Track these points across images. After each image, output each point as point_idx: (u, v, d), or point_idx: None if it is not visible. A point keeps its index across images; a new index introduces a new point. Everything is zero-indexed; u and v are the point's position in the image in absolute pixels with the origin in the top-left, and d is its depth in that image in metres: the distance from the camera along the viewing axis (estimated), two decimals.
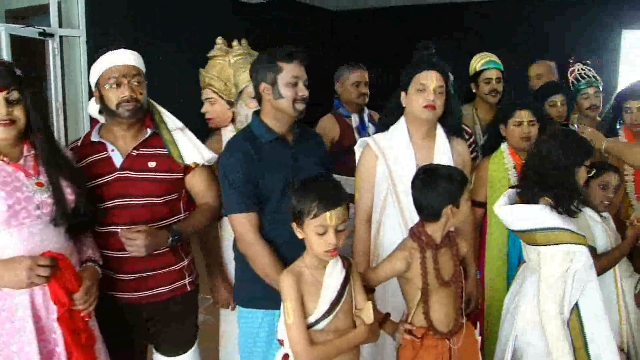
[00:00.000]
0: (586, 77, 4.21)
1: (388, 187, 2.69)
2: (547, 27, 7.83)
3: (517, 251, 3.04)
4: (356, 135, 3.91)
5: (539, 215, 2.48)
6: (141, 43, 5.67)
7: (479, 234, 3.21)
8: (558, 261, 2.43)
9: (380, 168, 2.71)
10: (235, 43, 3.14)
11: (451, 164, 2.70)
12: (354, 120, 4.03)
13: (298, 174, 2.45)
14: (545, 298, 2.45)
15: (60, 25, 5.20)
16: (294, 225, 2.13)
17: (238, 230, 2.46)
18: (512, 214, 2.59)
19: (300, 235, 2.13)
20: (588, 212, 2.84)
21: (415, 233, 2.36)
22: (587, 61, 7.77)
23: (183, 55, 5.92)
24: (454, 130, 2.85)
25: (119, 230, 2.34)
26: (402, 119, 2.76)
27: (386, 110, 2.87)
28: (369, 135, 3.17)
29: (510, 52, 7.82)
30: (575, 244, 2.42)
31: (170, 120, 2.61)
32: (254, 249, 2.42)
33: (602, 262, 2.70)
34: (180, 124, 2.63)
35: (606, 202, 2.89)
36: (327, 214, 2.03)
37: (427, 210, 2.30)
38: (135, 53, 2.52)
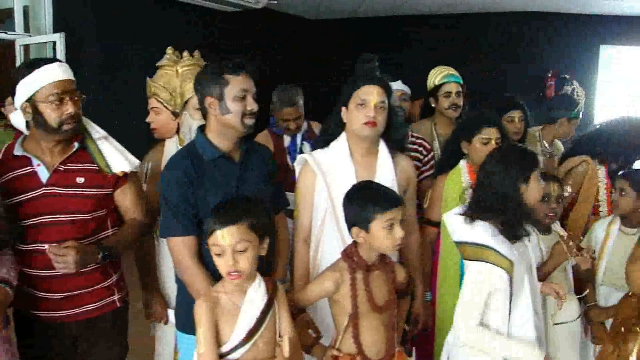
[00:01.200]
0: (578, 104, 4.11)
1: (327, 206, 2.56)
2: (525, 41, 7.74)
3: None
4: (287, 156, 3.79)
5: (473, 229, 2.34)
6: (110, 52, 5.69)
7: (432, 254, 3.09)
8: (480, 278, 2.28)
9: (318, 186, 2.58)
10: (185, 53, 3.03)
11: (394, 181, 2.60)
12: (286, 140, 3.90)
13: (244, 192, 2.34)
14: (458, 313, 2.30)
15: (27, 31, 5.09)
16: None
17: (174, 255, 2.32)
18: (453, 223, 2.46)
19: None
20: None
21: (347, 253, 2.25)
22: (566, 75, 7.83)
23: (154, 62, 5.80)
24: (397, 146, 2.73)
25: (44, 247, 2.21)
26: (342, 135, 2.63)
27: (327, 126, 2.75)
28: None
29: (490, 66, 7.89)
30: (496, 265, 2.26)
31: (94, 130, 2.48)
32: (190, 275, 2.29)
33: None
34: (103, 133, 2.50)
35: (550, 214, 2.78)
36: (219, 232, 1.94)
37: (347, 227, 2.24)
38: (67, 65, 2.40)
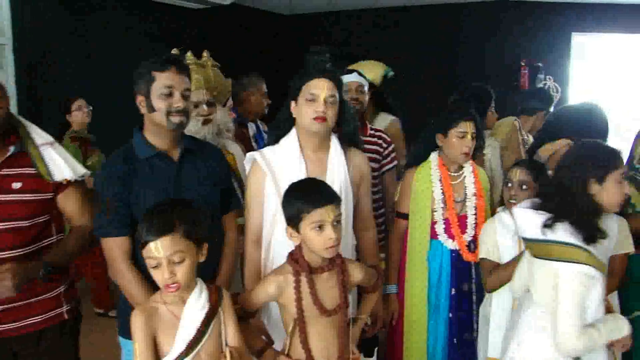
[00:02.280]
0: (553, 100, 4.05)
1: (277, 206, 2.41)
2: (497, 30, 7.65)
3: (437, 266, 2.85)
4: (254, 144, 3.67)
5: (555, 227, 2.14)
6: (73, 52, 5.53)
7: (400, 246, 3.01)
8: (580, 280, 2.10)
9: (268, 185, 2.46)
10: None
11: (346, 177, 2.49)
12: (251, 128, 3.79)
13: (179, 194, 2.25)
14: (563, 324, 2.08)
15: None
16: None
17: (107, 257, 2.23)
18: (524, 219, 2.26)
19: None
20: (503, 215, 2.68)
21: (292, 255, 2.14)
22: (539, 64, 7.75)
23: (119, 62, 5.65)
24: (349, 140, 2.61)
25: None
26: (293, 131, 2.51)
27: (277, 121, 2.62)
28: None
29: (458, 57, 7.81)
30: (590, 266, 2.09)
31: (38, 135, 2.35)
32: (123, 279, 2.20)
33: (500, 275, 2.57)
34: (49, 139, 2.37)
35: (512, 201, 2.66)
36: (152, 244, 1.82)
37: None
38: None
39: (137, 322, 1.85)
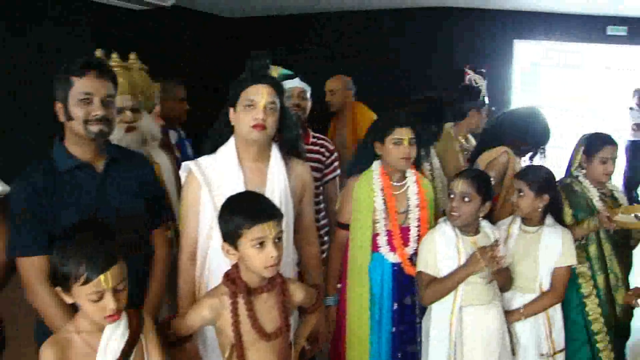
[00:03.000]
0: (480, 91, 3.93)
1: (213, 218, 2.24)
2: (441, 36, 7.62)
3: (379, 279, 2.71)
4: (176, 152, 3.47)
5: None
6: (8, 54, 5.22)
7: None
8: None
9: (204, 196, 2.28)
10: (98, 52, 2.71)
11: (287, 188, 2.34)
12: (173, 136, 3.57)
13: (103, 208, 2.06)
14: None
15: None
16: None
17: (23, 277, 2.02)
18: None
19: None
20: (444, 227, 2.59)
21: (228, 276, 1.98)
22: (482, 70, 7.76)
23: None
24: (291, 149, 2.46)
25: None
26: (231, 139, 2.35)
27: (215, 129, 2.44)
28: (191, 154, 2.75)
29: (401, 63, 7.75)
30: None
31: None
32: (42, 301, 1.98)
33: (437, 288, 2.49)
34: None
35: (454, 214, 2.55)
36: (102, 277, 1.65)
37: None
38: None
39: (46, 356, 1.64)
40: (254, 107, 2.24)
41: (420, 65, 7.51)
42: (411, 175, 2.80)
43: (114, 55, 2.65)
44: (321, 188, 3.28)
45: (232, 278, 1.96)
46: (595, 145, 3.05)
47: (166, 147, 3.13)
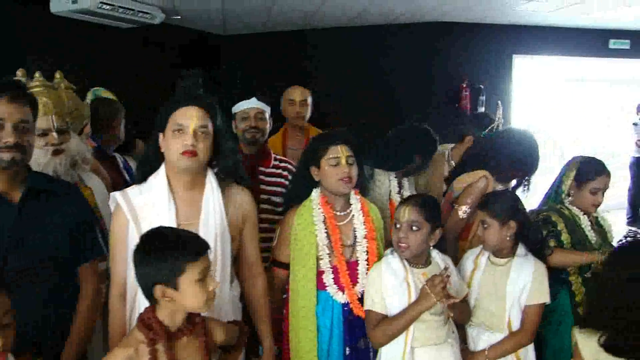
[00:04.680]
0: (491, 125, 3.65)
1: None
2: (439, 51, 7.37)
3: (328, 322, 2.41)
4: (125, 175, 3.23)
5: None
6: None
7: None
8: None
9: (132, 232, 2.05)
10: (20, 72, 2.53)
11: (223, 219, 2.11)
12: (119, 159, 3.34)
13: (20, 245, 1.86)
14: None
15: None
16: None
17: None
18: None
19: None
20: (390, 259, 2.31)
21: (142, 321, 1.74)
22: (480, 85, 7.49)
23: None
24: (230, 176, 2.22)
25: None
26: (162, 168, 2.12)
27: (144, 157, 2.21)
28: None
29: (399, 79, 7.49)
30: None
31: None
32: None
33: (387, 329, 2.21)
34: None
35: (402, 244, 2.29)
36: None
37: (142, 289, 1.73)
38: None
39: None
40: (183, 131, 2.01)
41: (418, 81, 7.25)
42: (356, 201, 2.51)
43: (37, 75, 2.44)
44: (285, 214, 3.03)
45: (148, 323, 1.73)
46: (587, 174, 2.79)
47: (110, 170, 2.92)
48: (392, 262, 2.30)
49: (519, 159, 3.00)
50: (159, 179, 2.10)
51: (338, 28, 7.51)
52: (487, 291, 2.45)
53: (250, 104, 3.07)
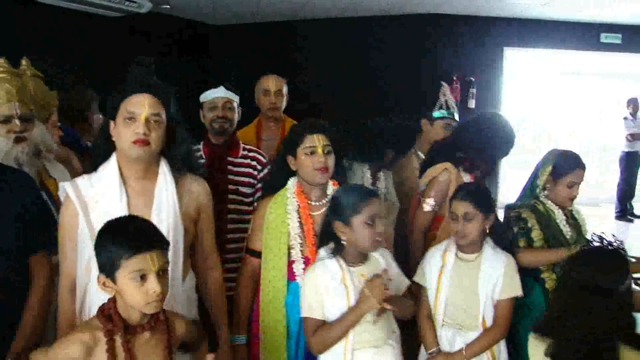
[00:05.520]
0: (451, 107, 3.52)
1: (91, 253, 1.91)
2: (429, 44, 7.29)
3: (297, 314, 2.34)
4: None
5: None
6: None
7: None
8: None
9: (82, 224, 1.97)
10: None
11: (176, 210, 2.03)
12: None
13: None
14: None
15: None
16: None
17: None
18: None
19: None
20: (326, 261, 2.17)
21: (102, 311, 1.69)
22: (471, 78, 7.41)
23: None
24: (183, 165, 2.14)
25: None
26: (113, 157, 2.04)
27: (95, 146, 2.14)
28: None
29: (389, 71, 7.42)
30: None
31: None
32: None
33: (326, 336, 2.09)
34: None
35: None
36: None
37: None
38: None
39: None
40: (134, 120, 1.94)
41: (408, 74, 7.16)
42: (332, 192, 2.45)
43: (1, 61, 2.36)
44: (253, 205, 2.97)
45: (108, 314, 1.68)
46: (564, 167, 2.72)
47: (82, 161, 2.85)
48: (328, 264, 2.14)
49: (489, 141, 2.92)
50: (109, 168, 2.02)
51: (328, 19, 7.43)
52: (459, 289, 2.36)
53: (218, 93, 2.98)
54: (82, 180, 2.04)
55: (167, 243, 1.74)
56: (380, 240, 2.14)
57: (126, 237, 1.63)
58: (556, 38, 7.61)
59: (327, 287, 2.10)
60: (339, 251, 2.14)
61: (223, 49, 7.61)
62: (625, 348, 1.70)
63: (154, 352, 1.71)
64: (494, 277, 2.35)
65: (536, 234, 2.67)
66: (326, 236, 2.17)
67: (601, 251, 1.93)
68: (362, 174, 3.05)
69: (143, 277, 1.61)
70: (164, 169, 2.06)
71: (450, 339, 2.37)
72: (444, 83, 3.66)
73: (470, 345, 2.33)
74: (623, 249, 1.92)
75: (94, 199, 1.99)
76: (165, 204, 2.02)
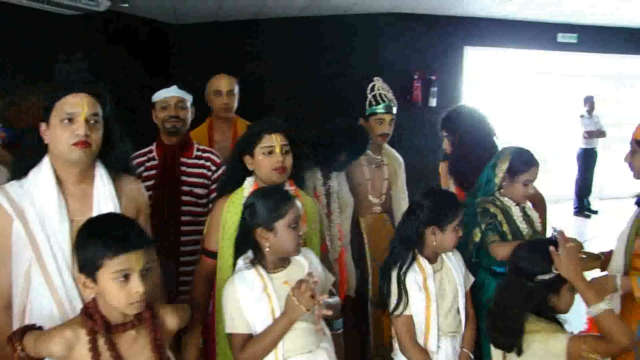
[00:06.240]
0: (386, 99, 3.47)
1: (31, 258, 1.85)
2: (390, 43, 7.27)
3: None
4: None
5: None
6: None
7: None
8: None
9: (17, 232, 1.85)
10: None
11: (117, 211, 1.93)
12: None
13: None
14: None
15: None
16: None
17: None
18: None
19: None
20: (245, 273, 2.09)
21: (86, 309, 1.65)
22: (432, 77, 7.43)
23: None
24: (120, 167, 2.06)
25: None
26: (45, 160, 1.93)
27: (23, 149, 2.04)
28: None
29: (350, 69, 7.38)
30: None
31: None
32: None
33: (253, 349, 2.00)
34: None
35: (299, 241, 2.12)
36: None
37: None
38: None
39: None
40: (73, 121, 1.85)
41: (369, 73, 7.10)
42: (290, 192, 2.39)
43: None
44: (207, 207, 2.90)
45: (90, 313, 1.62)
46: (520, 166, 2.73)
47: None
48: (247, 274, 2.04)
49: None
50: (44, 173, 1.90)
51: (290, 18, 7.36)
52: (443, 295, 2.32)
53: (170, 93, 2.90)
54: (12, 187, 1.90)
55: (151, 242, 1.70)
56: (303, 242, 2.09)
57: (109, 236, 1.59)
58: (515, 37, 7.70)
59: (248, 299, 2.00)
60: (258, 259, 2.07)
61: (183, 48, 7.49)
62: (533, 317, 1.99)
63: (143, 352, 1.67)
64: (461, 272, 2.38)
65: (506, 228, 2.69)
66: (243, 245, 2.10)
67: (536, 244, 2.20)
68: (314, 174, 3.00)
69: (126, 277, 1.58)
70: (100, 170, 1.97)
71: (449, 348, 2.32)
72: (376, 77, 3.61)
73: (466, 341, 2.36)
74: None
75: (31, 204, 1.88)
76: (105, 207, 1.93)
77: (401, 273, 2.26)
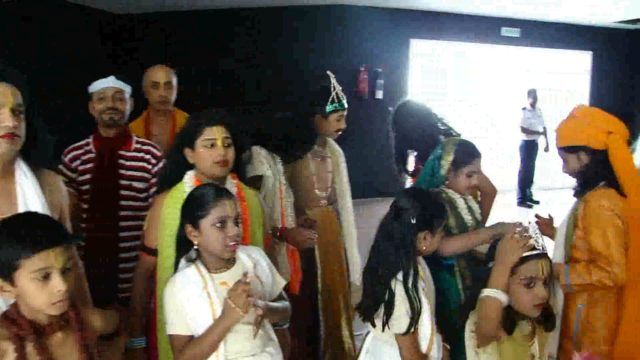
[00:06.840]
0: (343, 96, 3.38)
1: None
2: (336, 35, 7.25)
3: None
4: None
5: None
6: None
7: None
8: None
9: None
10: None
11: (44, 205, 1.83)
12: None
13: None
14: None
15: None
16: None
17: None
18: None
19: None
20: (187, 271, 1.99)
21: (6, 315, 1.53)
22: (378, 69, 7.44)
23: None
24: (42, 162, 1.94)
25: None
26: None
27: None
28: None
29: (296, 61, 7.33)
30: None
31: None
32: None
33: (193, 352, 1.90)
34: None
35: (231, 243, 1.96)
36: None
37: None
38: None
39: None
40: None
41: (315, 65, 7.08)
42: (232, 186, 2.29)
43: None
44: (148, 201, 2.79)
45: (12, 318, 1.51)
46: (463, 158, 2.70)
47: None
48: (188, 273, 1.94)
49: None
50: None
51: (231, 10, 7.25)
52: (430, 299, 2.24)
53: (107, 83, 2.76)
54: None
55: (70, 238, 1.59)
56: (235, 244, 1.95)
57: (25, 234, 1.48)
58: (460, 30, 7.80)
59: (189, 299, 1.91)
60: (199, 258, 1.97)
61: (137, 39, 7.29)
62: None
63: (72, 352, 1.58)
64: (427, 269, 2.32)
65: (452, 222, 2.66)
66: (184, 242, 1.99)
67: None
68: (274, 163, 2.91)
69: (46, 276, 1.48)
70: (21, 165, 1.85)
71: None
72: (329, 73, 3.53)
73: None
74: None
75: None
76: (32, 201, 1.81)
77: (409, 285, 2.09)
